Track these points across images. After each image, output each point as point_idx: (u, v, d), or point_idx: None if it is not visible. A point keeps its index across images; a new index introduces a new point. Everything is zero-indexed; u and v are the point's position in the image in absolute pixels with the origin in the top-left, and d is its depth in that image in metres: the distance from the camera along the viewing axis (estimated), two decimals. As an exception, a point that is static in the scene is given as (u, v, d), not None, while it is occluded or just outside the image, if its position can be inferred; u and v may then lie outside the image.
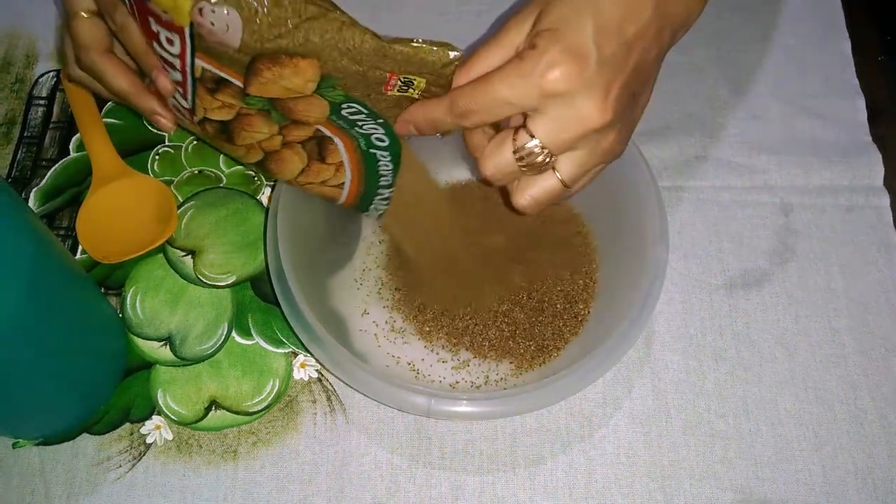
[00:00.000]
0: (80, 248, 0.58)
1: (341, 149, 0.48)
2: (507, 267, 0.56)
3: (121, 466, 0.51)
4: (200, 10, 0.38)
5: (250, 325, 0.56)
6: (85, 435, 0.52)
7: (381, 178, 0.50)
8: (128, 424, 0.53)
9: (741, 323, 0.56)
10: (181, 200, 0.60)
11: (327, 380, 0.54)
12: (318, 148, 0.47)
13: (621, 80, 0.39)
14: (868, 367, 0.55)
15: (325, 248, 0.56)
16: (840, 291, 0.58)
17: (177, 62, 0.42)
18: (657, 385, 0.54)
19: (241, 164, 0.60)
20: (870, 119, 0.64)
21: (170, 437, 0.52)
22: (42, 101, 0.65)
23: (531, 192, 0.43)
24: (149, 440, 0.52)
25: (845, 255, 0.59)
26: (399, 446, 0.52)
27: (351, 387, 0.51)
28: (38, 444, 0.52)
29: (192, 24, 0.39)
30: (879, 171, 0.61)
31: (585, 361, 0.47)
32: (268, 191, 0.61)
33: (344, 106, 0.44)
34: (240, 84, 0.42)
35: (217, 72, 0.42)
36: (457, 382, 0.53)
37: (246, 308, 0.57)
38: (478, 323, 0.54)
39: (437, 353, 0.54)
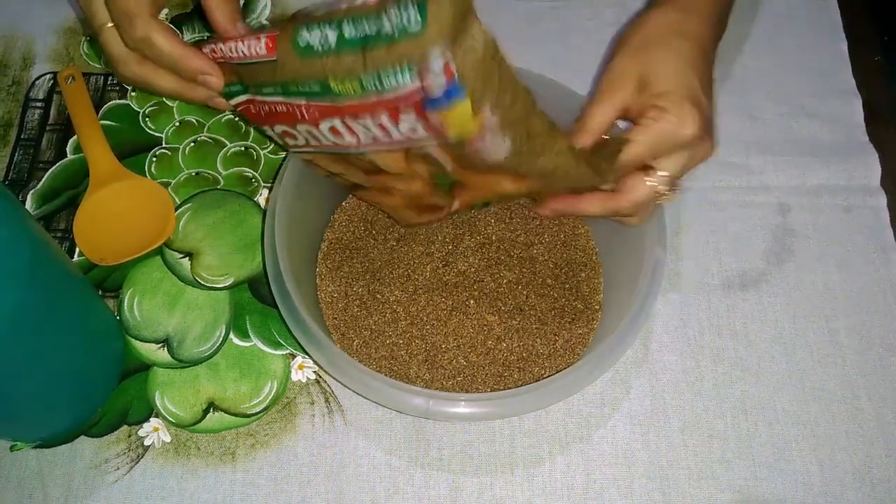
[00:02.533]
0: (77, 250, 0.58)
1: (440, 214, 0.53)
2: (506, 266, 0.56)
3: (119, 469, 0.51)
4: (484, 136, 0.40)
5: (248, 326, 0.56)
6: (83, 437, 0.52)
7: None
8: (125, 427, 0.53)
9: (739, 323, 0.56)
10: (178, 202, 0.60)
11: (325, 381, 0.54)
12: (424, 208, 0.51)
13: (714, 109, 0.48)
14: (866, 366, 0.55)
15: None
16: (838, 291, 0.58)
17: (396, 134, 0.42)
18: (655, 386, 0.54)
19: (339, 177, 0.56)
20: (867, 119, 0.64)
21: (168, 439, 0.52)
22: (39, 104, 0.64)
23: (645, 213, 0.49)
24: (147, 442, 0.52)
25: (843, 255, 0.59)
26: (397, 448, 0.52)
27: (349, 388, 0.51)
28: (35, 447, 0.52)
29: (462, 139, 0.41)
30: (876, 171, 0.61)
31: (583, 362, 0.47)
32: (265, 192, 0.61)
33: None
34: (449, 167, 0.45)
35: (440, 157, 0.44)
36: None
37: (244, 310, 0.56)
38: (477, 324, 0.54)
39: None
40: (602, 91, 0.48)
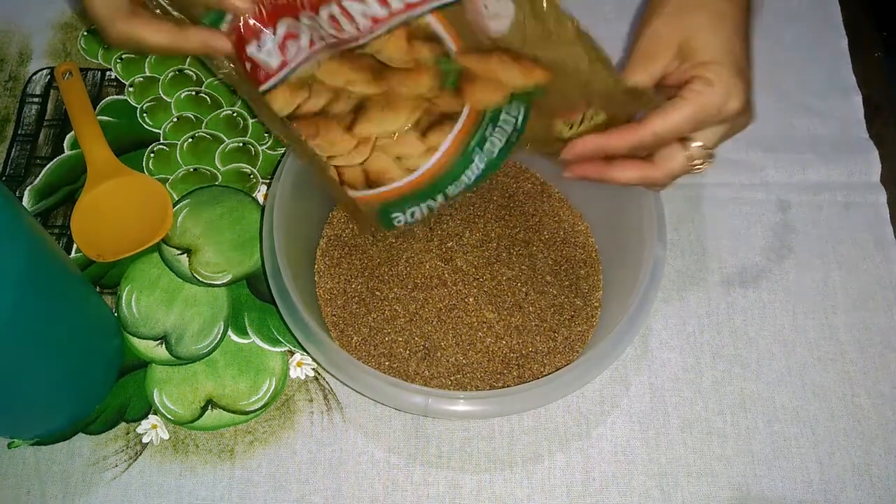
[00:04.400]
0: (74, 246, 0.58)
1: (451, 135, 0.47)
2: (506, 264, 0.56)
3: (117, 466, 0.51)
4: None
5: (246, 323, 0.56)
6: (81, 435, 0.52)
7: (446, 190, 0.49)
8: (123, 424, 0.53)
9: (738, 320, 0.56)
10: (176, 198, 0.60)
11: (324, 379, 0.54)
12: (433, 121, 0.46)
13: (753, 74, 0.46)
14: (865, 364, 0.55)
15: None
16: (837, 288, 0.58)
17: (397, 4, 0.40)
18: (655, 383, 0.54)
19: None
20: (867, 116, 0.64)
21: (166, 436, 0.52)
22: (36, 99, 0.64)
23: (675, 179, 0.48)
24: (145, 440, 0.52)
25: (842, 251, 0.59)
26: (396, 445, 0.52)
27: (348, 386, 0.50)
28: (33, 444, 0.52)
29: None
30: (876, 167, 0.61)
31: (583, 360, 0.47)
32: (263, 189, 0.60)
33: (511, 111, 0.45)
34: (453, 49, 0.42)
35: (442, 33, 0.41)
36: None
37: (242, 307, 0.56)
38: (475, 322, 0.54)
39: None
40: (637, 57, 0.45)
